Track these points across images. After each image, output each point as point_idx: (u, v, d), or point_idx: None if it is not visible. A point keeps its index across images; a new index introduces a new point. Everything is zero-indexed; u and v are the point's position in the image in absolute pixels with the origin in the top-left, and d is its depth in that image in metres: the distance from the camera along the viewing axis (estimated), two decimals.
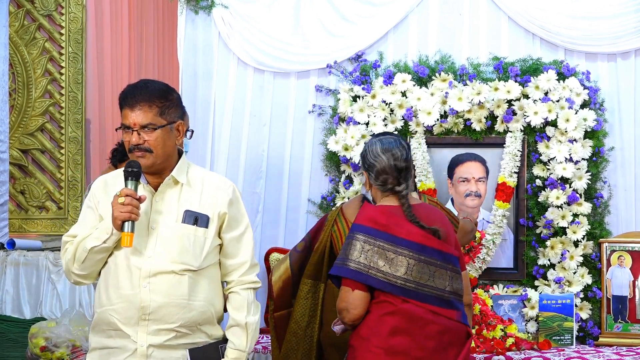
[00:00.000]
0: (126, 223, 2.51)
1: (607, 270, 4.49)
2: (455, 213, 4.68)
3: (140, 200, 2.54)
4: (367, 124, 4.74)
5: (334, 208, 3.87)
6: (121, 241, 2.54)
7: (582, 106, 4.60)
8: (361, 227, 3.02)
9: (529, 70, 4.64)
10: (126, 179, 2.56)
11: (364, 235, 2.99)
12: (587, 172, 4.56)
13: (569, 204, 4.54)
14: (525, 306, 4.52)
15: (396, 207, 3.07)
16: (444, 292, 3.00)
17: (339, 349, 3.49)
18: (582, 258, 4.54)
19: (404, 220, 3.02)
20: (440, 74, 4.69)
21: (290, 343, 3.60)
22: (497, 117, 4.64)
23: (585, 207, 4.56)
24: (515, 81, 4.61)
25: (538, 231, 4.61)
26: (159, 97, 2.63)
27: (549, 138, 4.59)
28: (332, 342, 3.53)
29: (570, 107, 4.54)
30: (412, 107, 4.69)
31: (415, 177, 4.62)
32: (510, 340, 4.25)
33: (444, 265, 3.02)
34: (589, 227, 4.56)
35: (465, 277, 3.14)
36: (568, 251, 4.54)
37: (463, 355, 3.02)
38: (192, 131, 3.80)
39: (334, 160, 4.84)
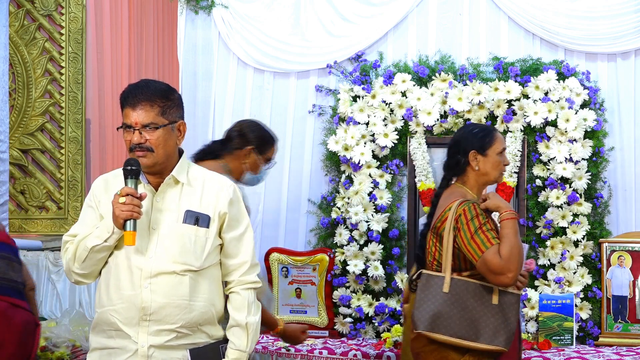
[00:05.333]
0: (128, 222, 2.51)
1: (607, 270, 4.49)
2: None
3: (141, 198, 2.53)
4: (367, 124, 4.74)
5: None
6: (124, 240, 2.53)
7: (582, 106, 4.60)
8: None
9: (529, 70, 4.65)
10: (126, 178, 2.56)
11: None
12: (587, 172, 4.56)
13: (569, 204, 4.54)
14: (525, 306, 4.52)
15: None
16: (18, 284, 3.31)
17: None
18: (582, 258, 4.54)
19: None
20: (440, 74, 4.69)
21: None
22: (497, 117, 4.64)
23: (585, 207, 4.56)
24: (515, 81, 4.61)
25: (538, 231, 4.61)
26: (160, 96, 2.63)
27: (549, 138, 4.59)
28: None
29: (570, 107, 4.54)
30: (412, 107, 4.69)
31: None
32: None
33: (16, 259, 3.34)
34: (589, 227, 4.56)
35: (25, 267, 3.51)
36: (568, 251, 4.54)
37: (37, 343, 3.32)
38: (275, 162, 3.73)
39: (334, 160, 4.84)
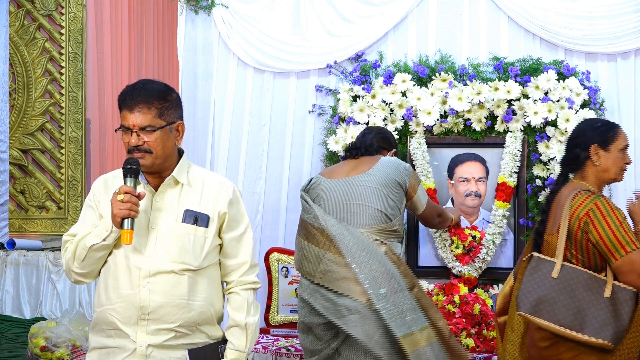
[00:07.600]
0: (126, 220, 2.51)
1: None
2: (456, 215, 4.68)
3: (139, 197, 2.54)
4: (367, 124, 4.74)
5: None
6: (121, 238, 2.54)
7: (582, 106, 4.60)
8: None
9: (529, 70, 4.64)
10: (125, 176, 2.56)
11: None
12: None
13: None
14: None
15: None
16: None
17: None
18: None
19: None
20: (440, 74, 4.69)
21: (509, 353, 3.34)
22: (497, 117, 4.64)
23: None
24: (515, 81, 4.61)
25: None
26: (157, 98, 2.63)
27: (549, 138, 4.59)
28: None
29: (570, 107, 4.54)
30: (412, 107, 4.69)
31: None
32: None
33: None
34: None
35: None
36: None
37: None
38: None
39: (334, 160, 4.83)
